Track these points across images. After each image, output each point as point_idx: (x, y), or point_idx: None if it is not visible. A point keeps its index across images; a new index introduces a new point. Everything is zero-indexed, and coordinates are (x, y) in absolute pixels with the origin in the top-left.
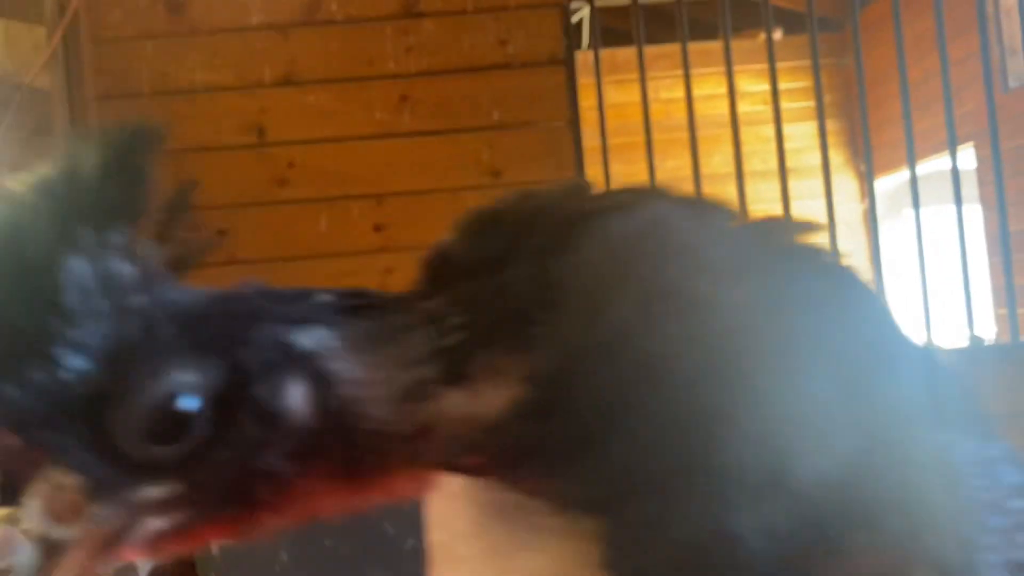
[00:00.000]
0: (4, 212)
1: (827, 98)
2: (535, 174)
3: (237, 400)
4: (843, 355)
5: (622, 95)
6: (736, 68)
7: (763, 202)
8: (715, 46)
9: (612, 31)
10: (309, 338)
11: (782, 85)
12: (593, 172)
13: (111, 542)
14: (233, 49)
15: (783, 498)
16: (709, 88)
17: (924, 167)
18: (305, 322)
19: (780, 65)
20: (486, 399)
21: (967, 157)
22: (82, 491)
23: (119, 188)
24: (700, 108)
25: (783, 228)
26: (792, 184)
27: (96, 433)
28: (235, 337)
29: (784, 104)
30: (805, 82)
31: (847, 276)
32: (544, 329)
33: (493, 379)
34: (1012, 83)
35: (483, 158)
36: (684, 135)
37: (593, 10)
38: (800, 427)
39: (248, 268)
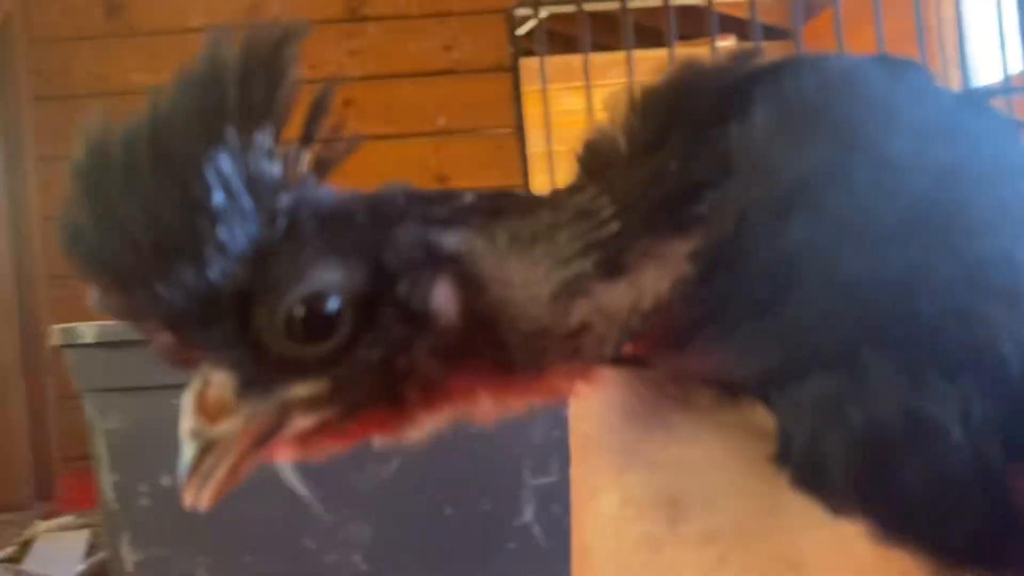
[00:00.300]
0: (148, 112)
1: None
2: (482, 180)
3: (382, 300)
4: None
5: (576, 102)
6: None
7: None
8: (667, 53)
9: (565, 38)
10: (455, 239)
11: None
12: (541, 179)
13: (263, 439)
14: (173, 51)
15: (988, 381)
16: None
17: None
18: (450, 223)
19: None
20: (646, 285)
21: None
22: (233, 389)
23: (262, 88)
24: None
25: (986, 93)
26: None
27: (244, 332)
28: (380, 237)
29: None
30: None
31: None
32: (711, 201)
33: (653, 264)
34: None
35: (429, 163)
36: None
37: (538, 17)
38: (1010, 302)
39: None
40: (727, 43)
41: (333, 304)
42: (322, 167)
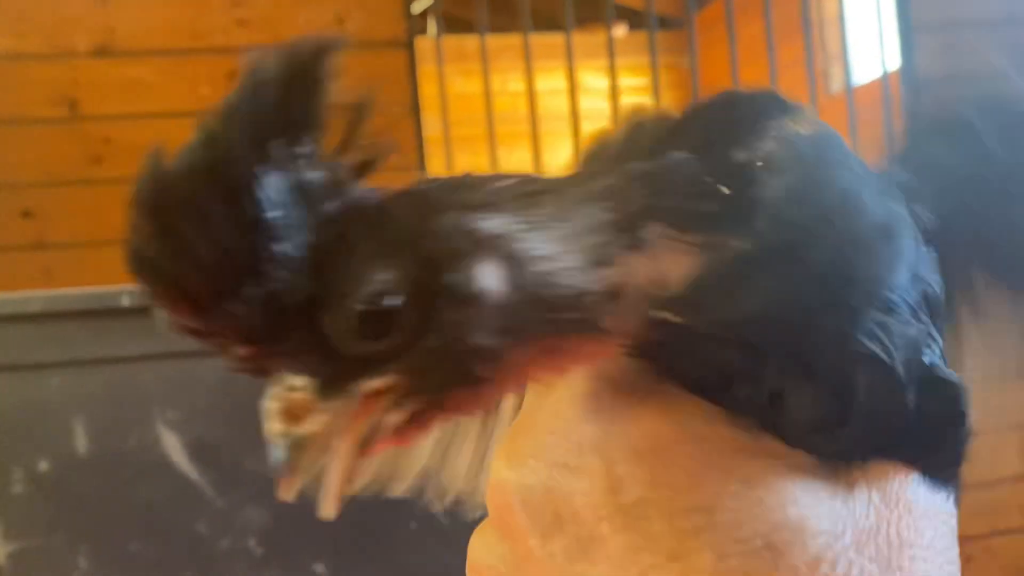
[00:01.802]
0: (198, 137)
1: (671, 95)
2: None
3: (434, 289)
4: None
5: (471, 85)
6: (585, 63)
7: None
8: (564, 39)
9: (459, 19)
10: (493, 223)
11: (628, 81)
12: (437, 162)
13: (366, 440)
14: (42, 14)
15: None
16: (559, 81)
17: None
18: (487, 207)
19: (626, 61)
20: (666, 263)
21: None
22: (313, 389)
23: (302, 98)
24: (551, 102)
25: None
26: None
27: (314, 337)
28: (424, 231)
29: (630, 100)
30: (650, 78)
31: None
32: (729, 208)
33: (669, 247)
34: (835, 87)
35: None
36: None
37: None
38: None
39: (59, 252)
40: (621, 32)
41: (391, 301)
42: (362, 170)
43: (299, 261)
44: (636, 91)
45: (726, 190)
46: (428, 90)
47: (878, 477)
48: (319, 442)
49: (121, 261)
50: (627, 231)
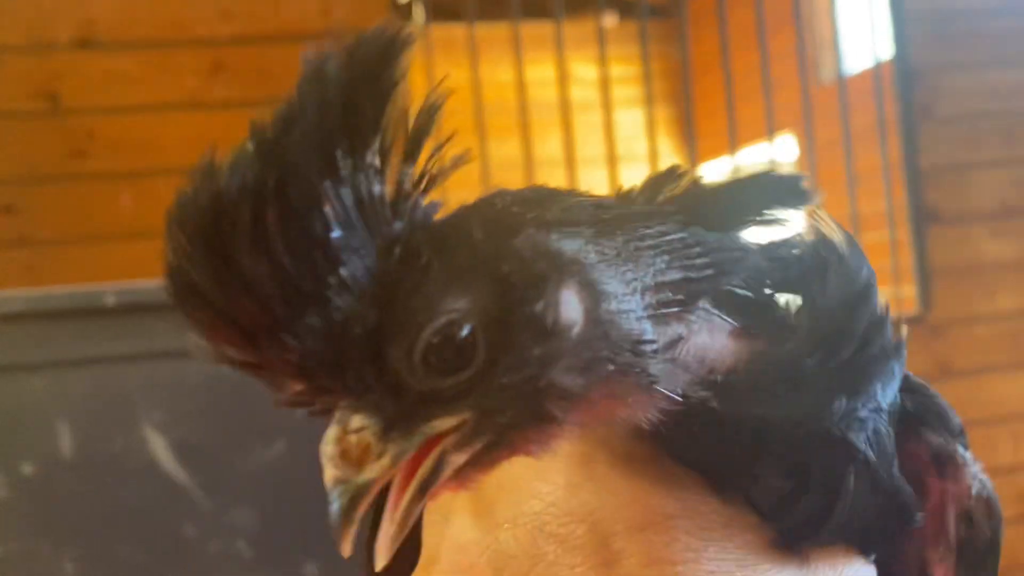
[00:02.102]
0: (253, 147)
1: (662, 85)
2: None
3: (513, 318)
4: None
5: (459, 75)
6: (575, 53)
7: (595, 190)
8: (554, 28)
9: (446, 8)
10: (573, 244)
11: (619, 71)
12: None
13: (425, 486)
14: (21, 4)
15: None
16: (549, 71)
17: (749, 153)
18: (564, 226)
19: (617, 51)
20: (711, 341)
21: (789, 145)
22: (374, 432)
23: (370, 104)
24: (540, 92)
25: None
26: (625, 171)
27: (378, 371)
28: (501, 252)
29: (621, 90)
30: (640, 68)
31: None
32: (773, 301)
33: (718, 327)
34: (826, 76)
35: None
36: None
37: None
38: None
39: (40, 249)
40: (611, 21)
41: (467, 332)
42: (428, 183)
43: (364, 287)
44: (626, 81)
45: (774, 289)
46: (415, 81)
47: (831, 557)
48: (379, 490)
49: (106, 258)
50: (687, 296)
